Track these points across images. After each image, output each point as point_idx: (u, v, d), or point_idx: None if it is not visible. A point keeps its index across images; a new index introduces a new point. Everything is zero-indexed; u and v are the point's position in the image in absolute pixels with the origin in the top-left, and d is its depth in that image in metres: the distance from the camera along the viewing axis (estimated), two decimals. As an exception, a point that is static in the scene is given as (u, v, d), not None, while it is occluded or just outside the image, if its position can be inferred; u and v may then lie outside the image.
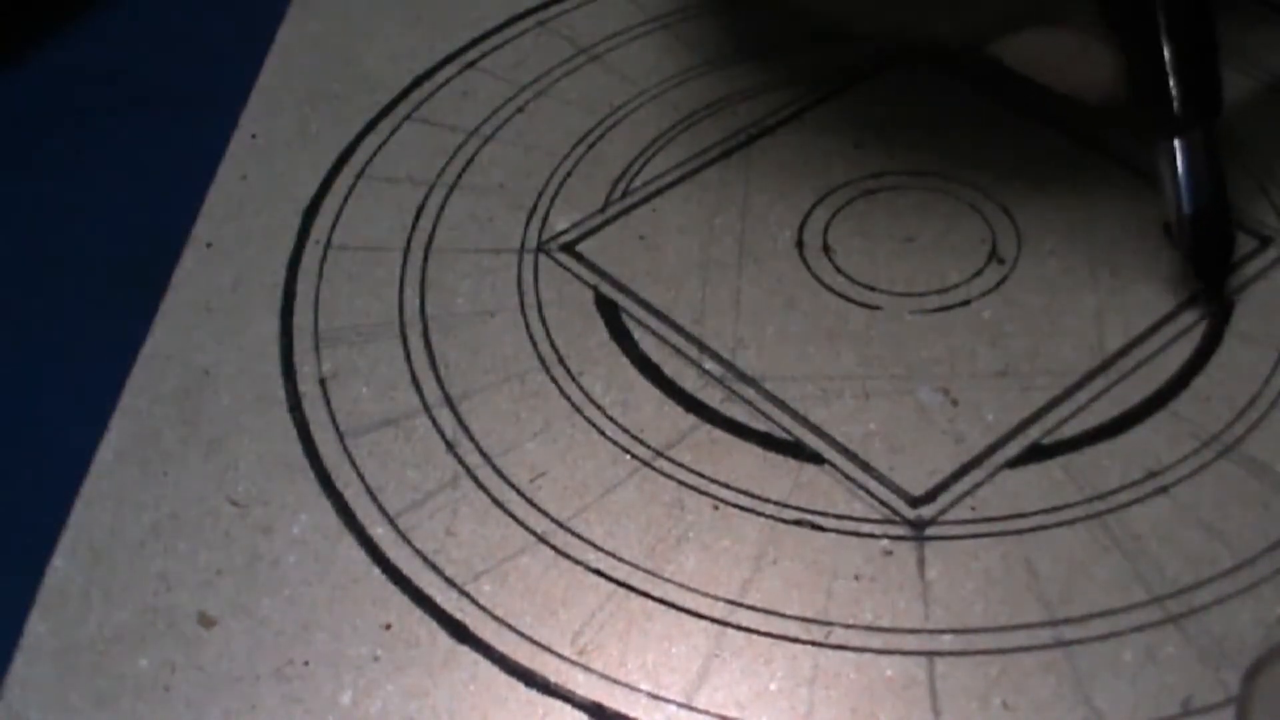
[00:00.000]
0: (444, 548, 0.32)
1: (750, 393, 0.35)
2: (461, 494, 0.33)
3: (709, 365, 0.36)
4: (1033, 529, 0.32)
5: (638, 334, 0.37)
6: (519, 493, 0.33)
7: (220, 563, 0.32)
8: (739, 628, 0.30)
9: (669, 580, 0.31)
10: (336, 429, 0.35)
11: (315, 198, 0.41)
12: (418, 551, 0.32)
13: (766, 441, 0.34)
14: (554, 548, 0.32)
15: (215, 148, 0.42)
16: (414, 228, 0.40)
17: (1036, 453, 0.33)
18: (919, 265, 0.38)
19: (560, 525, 0.32)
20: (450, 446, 0.34)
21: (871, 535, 0.32)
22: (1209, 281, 0.37)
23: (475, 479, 0.34)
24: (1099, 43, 0.36)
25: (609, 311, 0.37)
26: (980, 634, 0.30)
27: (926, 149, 0.41)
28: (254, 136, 0.43)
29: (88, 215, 0.42)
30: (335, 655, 0.30)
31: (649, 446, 0.34)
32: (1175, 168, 0.36)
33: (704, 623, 0.31)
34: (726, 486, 0.33)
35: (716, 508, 0.33)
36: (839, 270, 0.38)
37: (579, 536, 0.32)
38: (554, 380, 0.36)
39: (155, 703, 0.30)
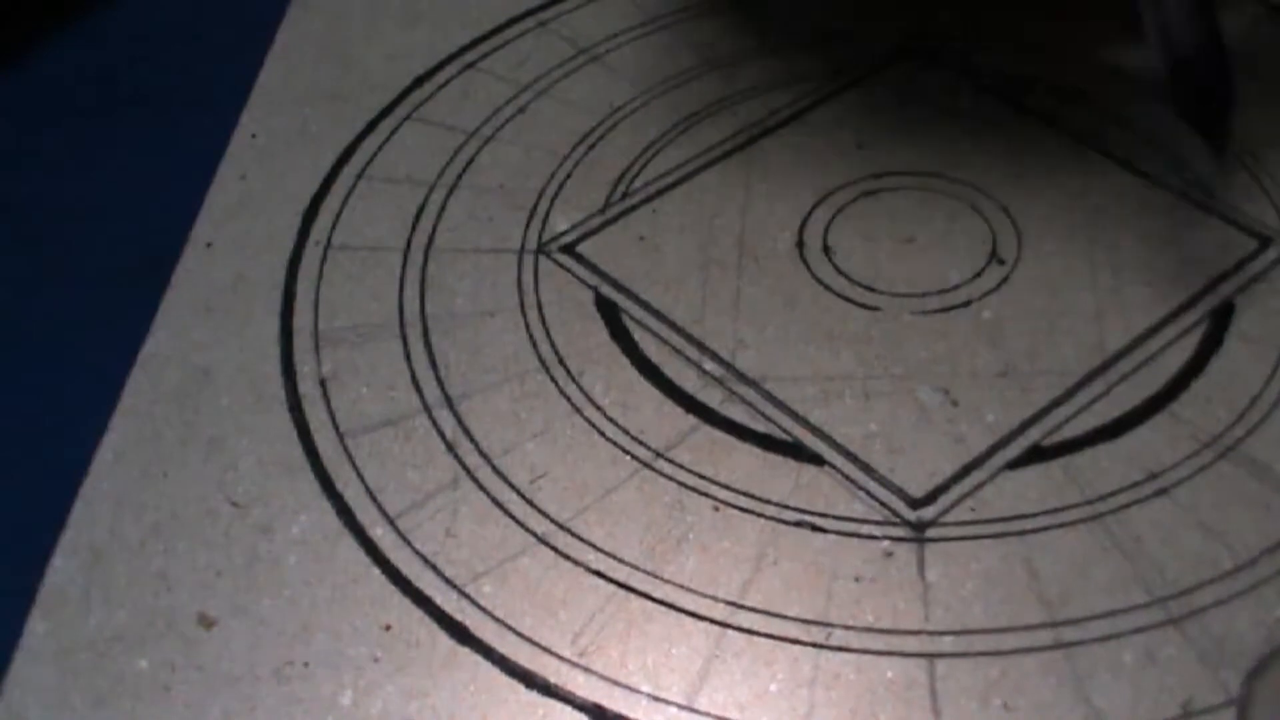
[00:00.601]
0: (444, 549, 0.32)
1: (750, 394, 0.35)
2: (461, 495, 0.33)
3: (709, 366, 0.36)
4: (1033, 530, 0.32)
5: (638, 335, 0.37)
6: (519, 494, 0.33)
7: (220, 563, 0.32)
8: (739, 629, 0.30)
9: (669, 581, 0.31)
10: (336, 429, 0.35)
11: (315, 198, 0.41)
12: (418, 552, 0.32)
13: (766, 442, 0.34)
14: (554, 549, 0.32)
15: (215, 148, 0.42)
16: (414, 228, 0.40)
17: (1037, 454, 0.33)
18: (919, 265, 0.38)
19: (560, 526, 0.32)
20: (450, 447, 0.34)
21: (872, 536, 0.32)
22: (1207, 132, 0.34)
23: (475, 480, 0.33)
24: None
25: (609, 312, 0.37)
26: (980, 635, 0.30)
27: (927, 149, 0.41)
28: (254, 136, 0.43)
29: (88, 215, 0.42)
30: (335, 656, 0.30)
31: (649, 447, 0.34)
32: (1159, 11, 0.33)
33: (704, 624, 0.31)
34: (726, 488, 0.33)
35: (717, 509, 0.33)
36: (839, 271, 0.38)
37: (579, 538, 0.32)
38: (554, 381, 0.36)
39: (155, 703, 0.30)
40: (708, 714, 0.29)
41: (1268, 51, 0.43)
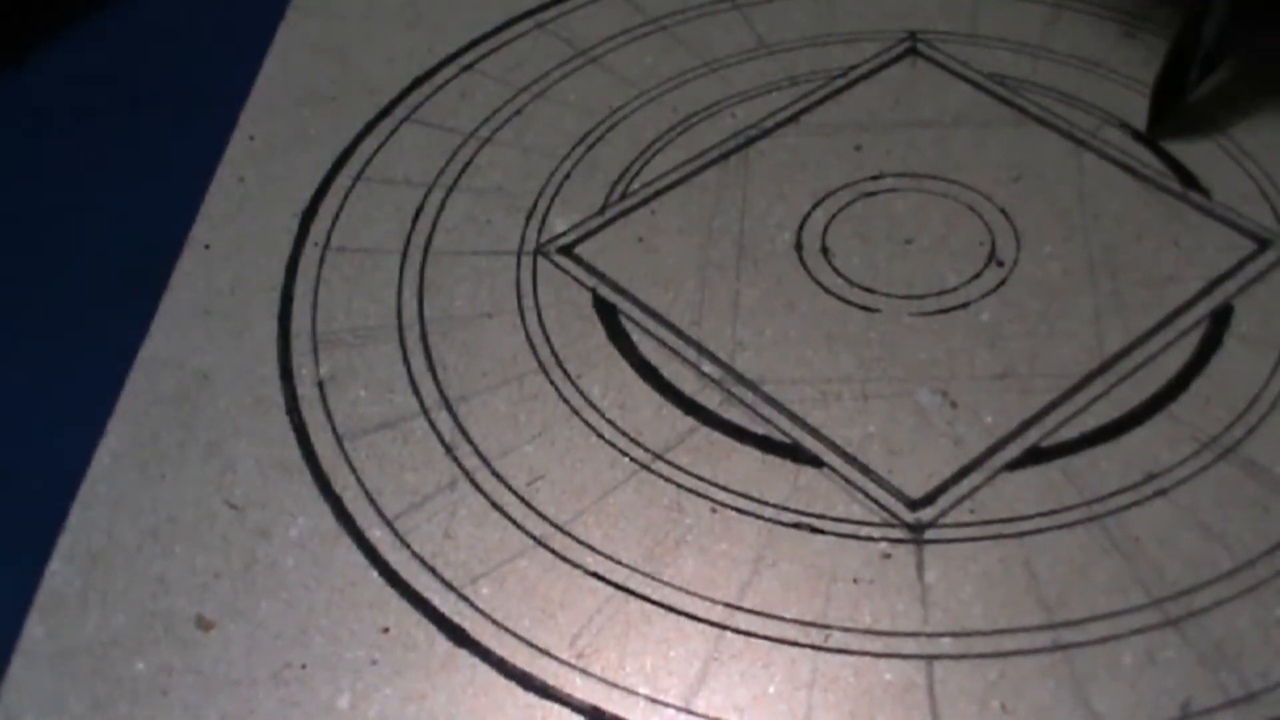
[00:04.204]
0: (442, 550, 0.32)
1: (749, 395, 0.35)
2: (459, 497, 0.33)
3: (707, 368, 0.36)
4: (1032, 531, 0.32)
5: (636, 336, 0.37)
6: (517, 496, 0.33)
7: (218, 566, 0.32)
8: (737, 631, 0.30)
9: (667, 583, 0.31)
10: (334, 431, 0.35)
11: (313, 200, 0.41)
12: (416, 554, 0.32)
13: (765, 444, 0.34)
14: (552, 551, 0.32)
15: (213, 150, 0.42)
16: (412, 230, 0.40)
17: (1035, 455, 0.33)
18: (918, 267, 0.38)
19: (558, 528, 0.32)
20: (448, 449, 0.34)
21: (870, 538, 0.32)
22: (1159, 113, 0.40)
23: (473, 482, 0.33)
24: None
25: (607, 314, 0.37)
26: (979, 637, 0.30)
27: (926, 150, 0.41)
28: (252, 138, 0.43)
29: (87, 217, 0.42)
30: (333, 658, 0.30)
31: (647, 449, 0.34)
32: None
33: (702, 626, 0.31)
34: (725, 489, 0.33)
35: (715, 510, 0.33)
36: (838, 272, 0.38)
37: (577, 539, 0.32)
38: (552, 383, 0.35)
39: (153, 706, 0.30)
40: (705, 716, 0.29)
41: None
